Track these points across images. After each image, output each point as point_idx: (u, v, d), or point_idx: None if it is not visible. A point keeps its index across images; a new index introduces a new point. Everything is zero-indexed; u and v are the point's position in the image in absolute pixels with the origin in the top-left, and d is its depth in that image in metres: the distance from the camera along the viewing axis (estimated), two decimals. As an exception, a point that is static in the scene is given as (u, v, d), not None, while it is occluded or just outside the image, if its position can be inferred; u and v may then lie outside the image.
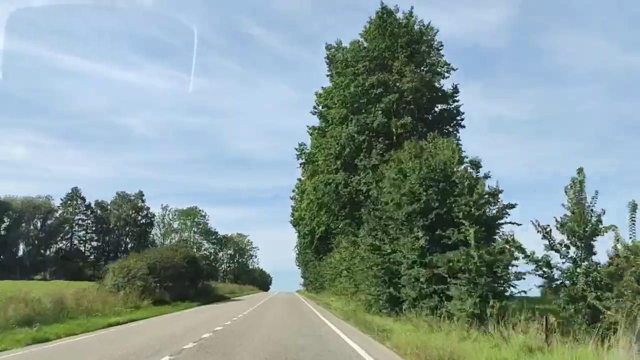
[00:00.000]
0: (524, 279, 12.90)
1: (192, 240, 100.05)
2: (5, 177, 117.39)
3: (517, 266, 13.17)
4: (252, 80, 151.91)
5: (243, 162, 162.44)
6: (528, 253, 10.50)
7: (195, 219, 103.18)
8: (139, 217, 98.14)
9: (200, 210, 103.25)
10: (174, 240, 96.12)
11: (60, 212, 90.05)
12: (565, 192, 9.66)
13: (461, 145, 20.44)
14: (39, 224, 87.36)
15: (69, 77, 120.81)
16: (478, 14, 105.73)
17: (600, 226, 9.19)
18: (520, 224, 14.64)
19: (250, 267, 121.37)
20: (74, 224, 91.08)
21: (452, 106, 27.83)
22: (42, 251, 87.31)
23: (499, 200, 15.32)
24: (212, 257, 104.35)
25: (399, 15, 27.85)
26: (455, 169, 16.60)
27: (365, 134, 26.12)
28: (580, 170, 9.55)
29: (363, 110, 26.95)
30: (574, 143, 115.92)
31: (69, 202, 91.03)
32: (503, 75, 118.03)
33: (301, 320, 18.33)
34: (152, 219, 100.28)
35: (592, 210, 9.30)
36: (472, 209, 14.92)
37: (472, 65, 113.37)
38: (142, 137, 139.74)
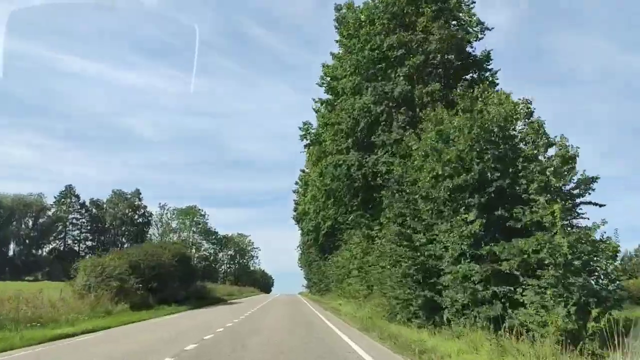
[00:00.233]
0: (636, 277, 9.29)
1: (191, 240, 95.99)
2: (6, 177, 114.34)
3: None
4: (252, 80, 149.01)
5: (244, 163, 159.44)
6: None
7: (195, 219, 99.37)
8: (136, 216, 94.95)
9: (199, 210, 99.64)
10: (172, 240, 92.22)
11: (53, 210, 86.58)
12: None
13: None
14: (30, 223, 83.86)
15: (69, 77, 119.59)
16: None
17: None
18: (604, 205, 10.80)
19: (252, 268, 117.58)
20: (67, 223, 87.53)
21: (486, 75, 23.39)
22: (34, 251, 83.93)
23: (575, 169, 11.22)
24: (211, 257, 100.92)
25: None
26: (520, 128, 12.49)
27: (384, 104, 21.70)
28: None
29: (380, 78, 22.59)
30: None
31: (62, 200, 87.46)
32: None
33: (309, 336, 13.35)
34: (150, 218, 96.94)
35: None
36: (551, 178, 10.78)
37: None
38: (142, 138, 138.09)
